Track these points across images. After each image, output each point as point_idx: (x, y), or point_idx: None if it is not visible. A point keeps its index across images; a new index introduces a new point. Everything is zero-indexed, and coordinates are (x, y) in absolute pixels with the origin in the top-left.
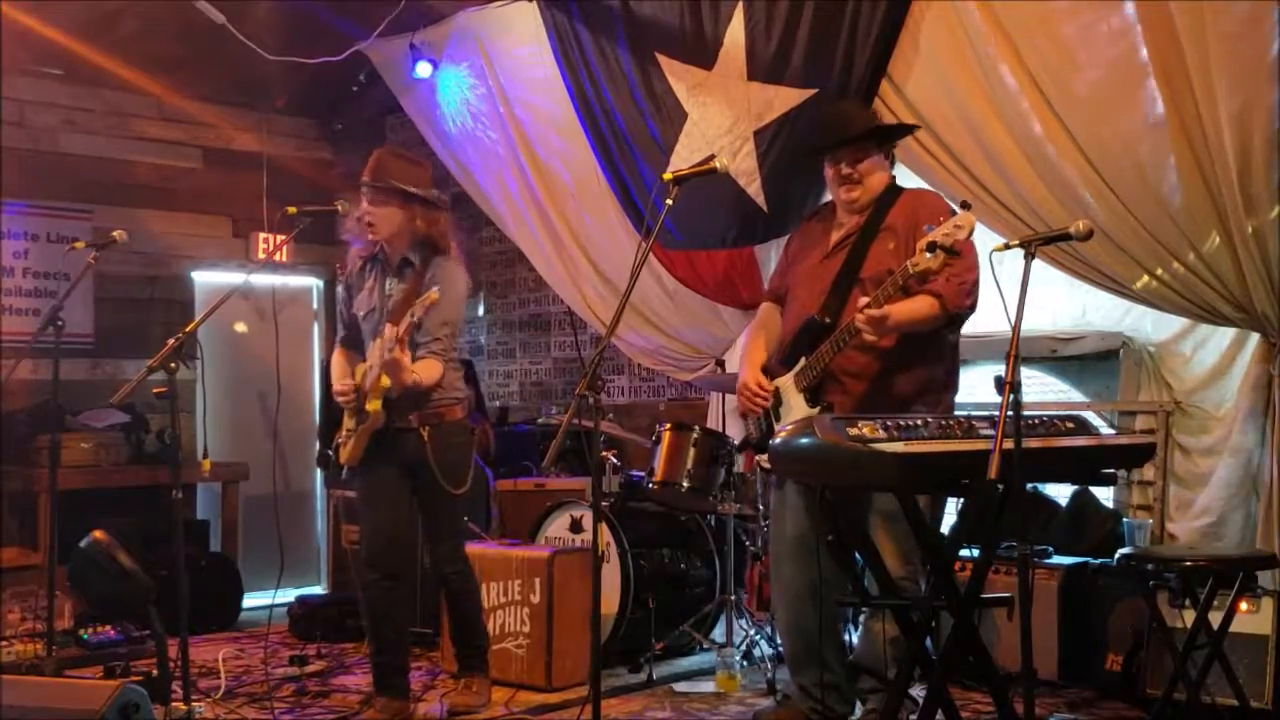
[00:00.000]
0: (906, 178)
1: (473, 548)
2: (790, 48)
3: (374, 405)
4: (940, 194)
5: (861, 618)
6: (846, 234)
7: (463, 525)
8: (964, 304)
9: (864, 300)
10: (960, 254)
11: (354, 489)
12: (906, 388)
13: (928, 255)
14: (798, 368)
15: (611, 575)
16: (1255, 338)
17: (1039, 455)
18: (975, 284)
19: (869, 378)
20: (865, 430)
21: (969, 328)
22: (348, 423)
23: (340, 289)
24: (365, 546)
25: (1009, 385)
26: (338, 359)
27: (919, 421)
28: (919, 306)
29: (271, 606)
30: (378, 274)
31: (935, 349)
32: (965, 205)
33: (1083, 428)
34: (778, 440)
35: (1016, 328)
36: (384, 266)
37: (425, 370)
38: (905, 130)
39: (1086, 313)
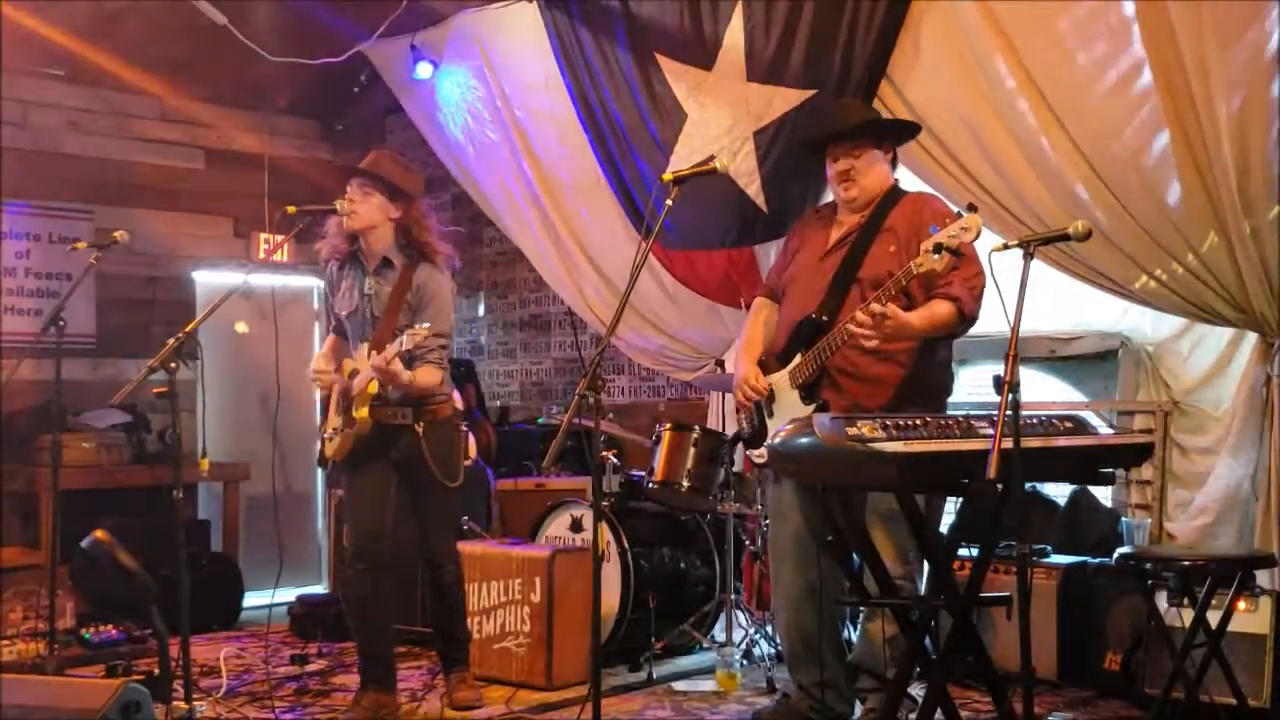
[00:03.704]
0: (906, 179)
1: (473, 547)
2: (789, 48)
3: (361, 413)
4: (941, 197)
5: (860, 617)
6: (846, 232)
7: (458, 521)
8: (977, 309)
9: (874, 307)
10: (964, 255)
11: (342, 483)
12: (902, 390)
13: (934, 257)
14: (792, 365)
15: (611, 575)
16: (1253, 337)
17: (1038, 455)
18: (984, 289)
19: (865, 378)
20: (864, 430)
21: None
22: (334, 420)
23: (324, 284)
24: (352, 539)
25: (1008, 385)
26: (328, 344)
27: (918, 421)
28: (939, 311)
29: (271, 606)
30: (355, 273)
31: (931, 352)
32: (972, 208)
33: (1081, 427)
34: (777, 440)
35: (1015, 328)
36: (361, 266)
37: (426, 377)
38: (903, 126)
39: (1085, 313)
